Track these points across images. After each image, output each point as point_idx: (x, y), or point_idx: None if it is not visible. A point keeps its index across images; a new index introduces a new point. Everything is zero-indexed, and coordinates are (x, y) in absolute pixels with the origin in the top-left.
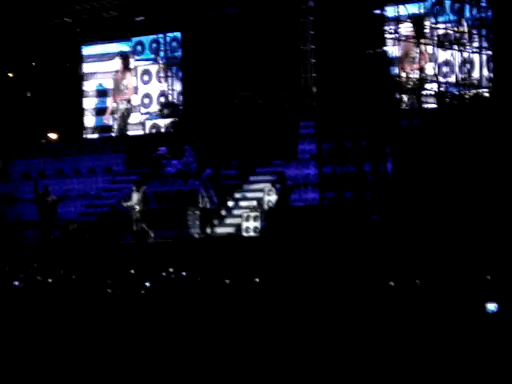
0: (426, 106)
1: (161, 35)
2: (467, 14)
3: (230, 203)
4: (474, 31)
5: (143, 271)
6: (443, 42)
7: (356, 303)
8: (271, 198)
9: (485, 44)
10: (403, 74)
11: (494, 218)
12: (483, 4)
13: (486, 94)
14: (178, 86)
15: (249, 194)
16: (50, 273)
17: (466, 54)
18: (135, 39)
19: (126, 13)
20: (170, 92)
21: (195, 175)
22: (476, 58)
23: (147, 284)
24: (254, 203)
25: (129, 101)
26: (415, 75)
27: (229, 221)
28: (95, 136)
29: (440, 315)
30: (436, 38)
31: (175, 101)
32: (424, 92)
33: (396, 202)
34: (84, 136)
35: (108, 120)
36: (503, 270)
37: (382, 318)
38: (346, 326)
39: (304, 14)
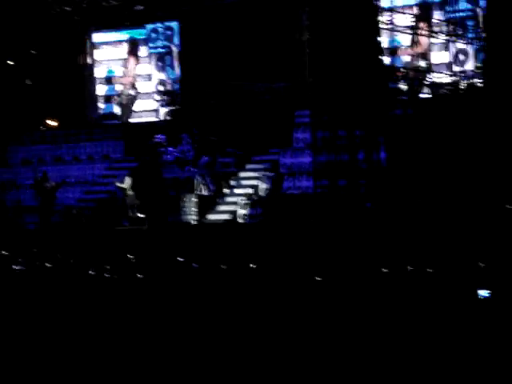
0: (420, 95)
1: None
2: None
3: (227, 190)
4: (469, 22)
5: (140, 257)
6: (436, 33)
7: (350, 289)
8: (266, 185)
9: (477, 35)
10: (402, 64)
11: (487, 206)
12: None
13: (480, 84)
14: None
15: (245, 182)
16: (48, 258)
17: (460, 45)
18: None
19: (125, 2)
20: (168, 80)
21: (192, 163)
22: (469, 48)
23: (143, 269)
24: (250, 190)
25: (133, 87)
26: (415, 65)
27: (225, 208)
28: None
29: (432, 301)
30: (430, 28)
31: (173, 89)
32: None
33: (390, 190)
34: (98, 121)
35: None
36: (495, 257)
37: (376, 305)
38: (341, 311)
39: (300, 4)
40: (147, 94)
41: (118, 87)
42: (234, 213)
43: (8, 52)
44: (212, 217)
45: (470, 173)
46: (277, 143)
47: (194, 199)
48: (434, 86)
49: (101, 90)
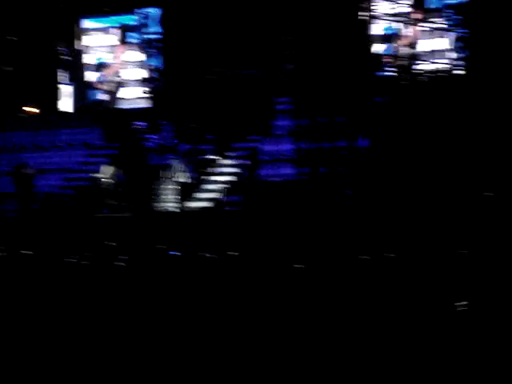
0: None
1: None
2: None
3: (207, 178)
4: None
5: (120, 244)
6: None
7: (330, 277)
8: (245, 172)
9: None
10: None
11: (469, 193)
12: None
13: (461, 71)
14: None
15: (224, 169)
16: (28, 245)
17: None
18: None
19: None
20: (149, 68)
21: (172, 150)
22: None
23: (124, 257)
24: (230, 178)
25: (118, 74)
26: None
27: (205, 195)
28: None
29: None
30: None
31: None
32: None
33: (370, 177)
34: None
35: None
36: (478, 244)
37: (356, 292)
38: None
39: None
40: (135, 81)
41: (105, 74)
42: (214, 200)
43: None
44: (192, 204)
45: (451, 160)
46: (257, 130)
47: (174, 187)
48: (421, 74)
49: (89, 76)
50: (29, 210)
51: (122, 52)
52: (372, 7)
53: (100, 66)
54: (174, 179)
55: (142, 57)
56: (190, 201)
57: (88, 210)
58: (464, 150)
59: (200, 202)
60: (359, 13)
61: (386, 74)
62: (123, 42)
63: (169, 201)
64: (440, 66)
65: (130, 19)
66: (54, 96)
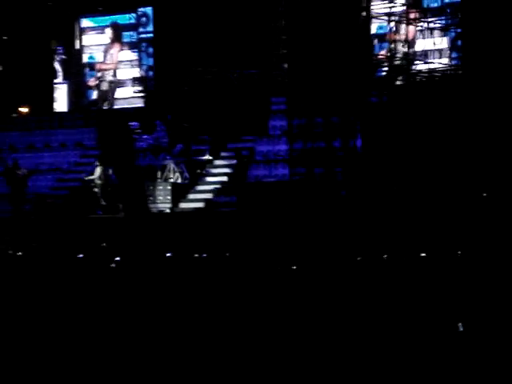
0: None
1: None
2: None
3: (201, 178)
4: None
5: (113, 245)
6: (414, 20)
7: (325, 278)
8: (236, 173)
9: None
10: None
11: (463, 193)
12: None
13: (455, 72)
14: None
15: (219, 170)
16: (20, 246)
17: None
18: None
19: None
20: (142, 67)
21: (166, 150)
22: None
23: (117, 258)
24: (225, 179)
25: (114, 73)
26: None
27: (199, 196)
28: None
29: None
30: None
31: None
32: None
33: (365, 177)
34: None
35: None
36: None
37: (351, 293)
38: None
39: None
40: (129, 80)
41: (100, 73)
42: (207, 201)
43: None
44: (186, 205)
45: (445, 160)
46: (252, 131)
47: (168, 187)
48: (418, 74)
49: (84, 76)
50: (22, 211)
51: (118, 51)
52: (369, 6)
53: (96, 66)
54: (167, 179)
55: (137, 56)
56: (183, 201)
57: (80, 211)
58: (460, 149)
59: (193, 202)
60: (355, 12)
61: (382, 73)
62: (119, 41)
63: (162, 201)
64: (437, 66)
65: (126, 18)
66: (50, 96)
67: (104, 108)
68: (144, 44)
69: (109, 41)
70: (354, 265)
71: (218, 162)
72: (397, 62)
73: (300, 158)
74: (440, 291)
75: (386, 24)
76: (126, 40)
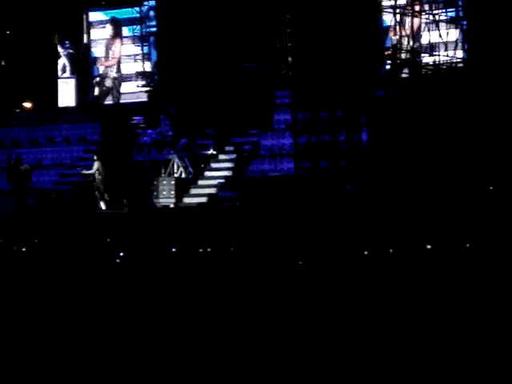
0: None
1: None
2: None
3: (205, 173)
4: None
5: (118, 241)
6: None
7: (331, 272)
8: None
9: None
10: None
11: (468, 186)
12: None
13: (461, 64)
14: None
15: (224, 164)
16: (24, 242)
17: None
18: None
19: None
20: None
21: (170, 145)
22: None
23: (121, 254)
24: (229, 173)
25: (118, 69)
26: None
27: (203, 191)
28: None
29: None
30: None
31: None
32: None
33: (371, 171)
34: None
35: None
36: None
37: (357, 287)
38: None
39: None
40: (134, 75)
41: (103, 70)
42: (211, 195)
43: None
44: (190, 200)
45: (451, 153)
46: (257, 125)
47: (172, 182)
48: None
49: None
50: (25, 206)
51: (119, 47)
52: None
53: (101, 60)
54: (172, 174)
55: (141, 50)
56: (187, 196)
57: (84, 206)
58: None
59: (198, 197)
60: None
61: (388, 67)
62: (119, 36)
63: (166, 196)
64: (443, 59)
65: (133, 12)
66: (54, 91)
67: (107, 103)
68: (151, 38)
69: (114, 35)
70: (361, 259)
71: (222, 157)
72: (402, 55)
73: (305, 152)
74: (447, 286)
75: (391, 17)
76: (129, 34)
